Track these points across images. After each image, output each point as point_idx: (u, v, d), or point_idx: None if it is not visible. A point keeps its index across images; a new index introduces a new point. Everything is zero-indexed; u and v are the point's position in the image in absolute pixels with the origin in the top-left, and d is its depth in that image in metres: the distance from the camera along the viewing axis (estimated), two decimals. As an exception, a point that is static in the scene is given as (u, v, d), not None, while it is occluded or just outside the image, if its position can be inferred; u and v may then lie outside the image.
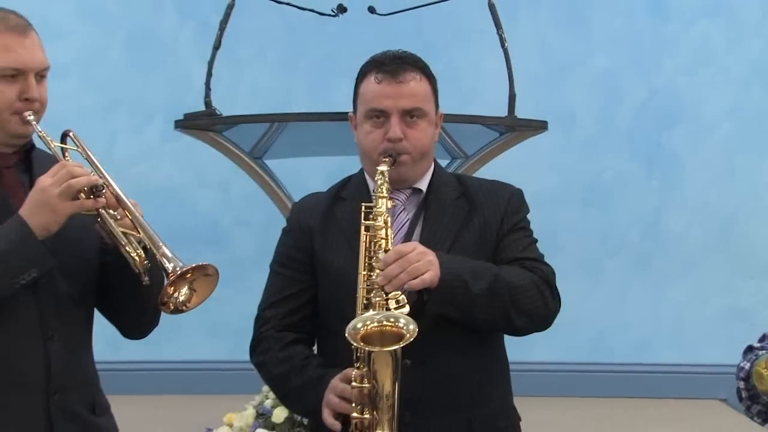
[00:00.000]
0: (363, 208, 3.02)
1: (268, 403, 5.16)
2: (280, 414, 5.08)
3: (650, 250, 7.17)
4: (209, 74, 5.16)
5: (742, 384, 2.77)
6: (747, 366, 2.73)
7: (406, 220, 3.13)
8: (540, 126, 5.32)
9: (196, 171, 6.53)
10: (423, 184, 3.15)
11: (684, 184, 7.23)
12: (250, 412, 5.17)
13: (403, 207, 3.14)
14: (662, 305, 6.95)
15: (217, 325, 5.93)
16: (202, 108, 5.13)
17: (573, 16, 7.18)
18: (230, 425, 5.08)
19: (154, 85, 6.75)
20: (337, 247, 3.10)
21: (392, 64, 3.10)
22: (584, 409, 6.28)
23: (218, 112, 5.12)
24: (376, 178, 2.99)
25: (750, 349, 2.80)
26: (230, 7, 5.25)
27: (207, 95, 5.13)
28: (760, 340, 2.83)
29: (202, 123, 5.16)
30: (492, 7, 5.18)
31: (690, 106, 7.24)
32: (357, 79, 3.16)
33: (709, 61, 7.23)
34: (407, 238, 3.07)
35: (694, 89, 7.22)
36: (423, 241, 3.01)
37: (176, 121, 5.19)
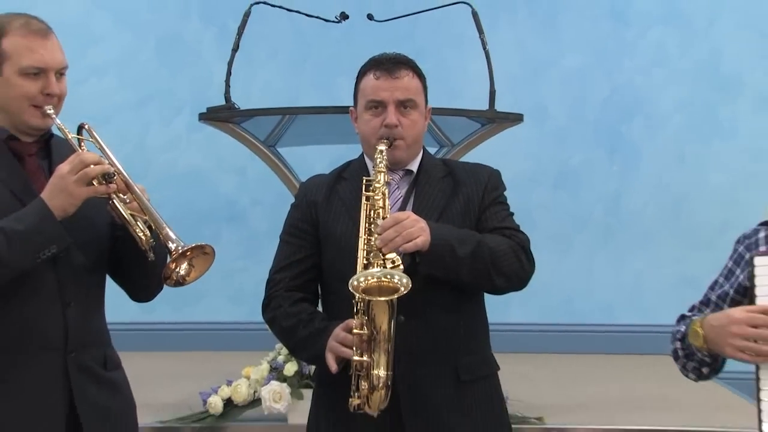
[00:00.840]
0: (364, 181, 3.10)
1: (280, 358, 5.16)
2: (290, 368, 5.09)
3: (612, 225, 7.19)
4: (228, 73, 5.18)
5: (678, 344, 2.81)
6: (683, 329, 2.77)
7: (399, 196, 3.18)
8: (516, 118, 5.34)
9: (217, 157, 6.53)
10: (414, 166, 3.21)
11: (641, 169, 7.26)
12: (264, 367, 5.16)
13: (397, 185, 3.20)
14: (623, 273, 6.96)
15: (236, 292, 5.92)
16: (223, 102, 5.16)
17: (546, 23, 7.18)
18: (247, 377, 5.08)
19: (180, 83, 6.75)
20: (339, 218, 3.14)
21: (389, 63, 3.19)
22: (554, 363, 6.29)
23: (236, 106, 5.16)
24: (375, 156, 3.07)
25: (683, 317, 2.85)
26: (247, 15, 5.27)
27: (226, 91, 5.16)
28: (690, 310, 2.87)
29: (222, 115, 5.18)
30: (475, 15, 5.23)
31: (646, 101, 7.25)
32: (357, 76, 3.27)
33: (663, 62, 7.23)
34: (401, 211, 3.11)
35: (650, 86, 7.24)
36: (415, 213, 3.05)
37: (200, 114, 5.23)
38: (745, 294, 2.70)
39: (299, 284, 3.20)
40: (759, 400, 2.60)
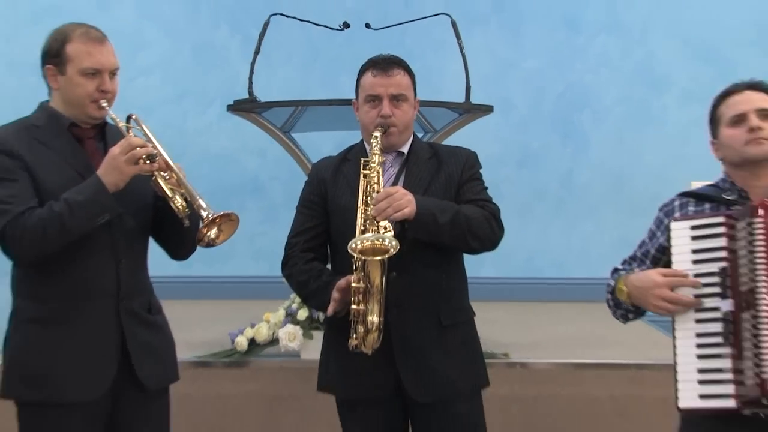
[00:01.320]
0: (362, 161, 3.13)
1: (294, 306, 5.18)
2: (302, 314, 5.12)
3: (565, 197, 7.20)
4: (251, 72, 5.19)
5: (609, 296, 2.82)
6: (612, 283, 2.80)
7: (392, 174, 3.19)
8: (487, 109, 5.37)
9: (242, 141, 6.52)
10: (405, 149, 3.22)
11: (588, 151, 7.26)
12: (281, 312, 5.18)
13: (390, 165, 3.21)
14: (573, 236, 6.98)
15: (257, 251, 5.91)
16: (246, 96, 5.15)
17: (511, 32, 7.19)
18: (267, 321, 5.09)
19: (211, 80, 6.74)
20: (343, 192, 3.16)
21: (384, 63, 3.22)
22: (518, 310, 6.32)
23: (257, 99, 5.16)
24: (371, 141, 3.07)
25: (615, 270, 2.87)
26: (266, 24, 5.28)
27: (249, 87, 5.17)
28: (622, 264, 2.91)
29: (246, 107, 5.20)
30: (454, 25, 5.24)
31: (593, 96, 7.26)
32: (358, 74, 3.28)
33: (607, 63, 7.22)
34: (393, 186, 3.08)
35: (596, 84, 7.24)
36: (404, 188, 3.07)
37: (228, 106, 5.26)
38: (664, 252, 2.75)
39: (311, 246, 3.23)
40: (674, 338, 2.65)
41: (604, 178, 7.11)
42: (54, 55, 2.91)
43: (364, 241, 2.88)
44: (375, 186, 3.02)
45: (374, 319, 2.95)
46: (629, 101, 7.21)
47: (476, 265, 3.27)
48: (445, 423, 3.17)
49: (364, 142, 3.26)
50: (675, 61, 7.08)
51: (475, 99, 5.29)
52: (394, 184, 3.13)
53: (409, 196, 2.95)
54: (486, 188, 3.25)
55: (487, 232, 3.10)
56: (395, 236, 2.91)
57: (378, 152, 3.08)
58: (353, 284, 2.93)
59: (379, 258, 2.89)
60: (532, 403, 4.89)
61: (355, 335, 2.98)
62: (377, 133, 3.09)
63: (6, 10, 6.69)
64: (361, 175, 3.08)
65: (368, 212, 2.97)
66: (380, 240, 2.87)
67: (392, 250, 2.85)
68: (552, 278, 6.95)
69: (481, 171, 3.28)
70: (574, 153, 7.23)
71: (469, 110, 5.28)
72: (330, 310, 3.01)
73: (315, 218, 3.24)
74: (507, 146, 6.95)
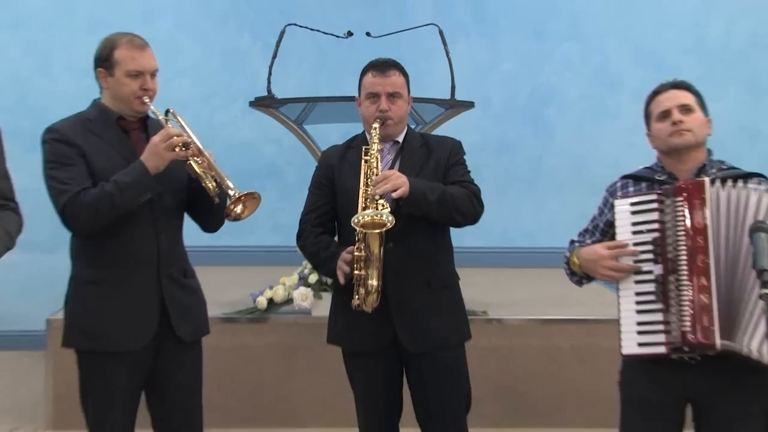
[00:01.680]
0: (363, 149, 3.14)
1: (306, 271, 5.21)
2: (313, 278, 5.15)
3: (535, 180, 7.20)
4: (269, 73, 5.23)
5: (565, 266, 2.87)
6: (567, 254, 2.86)
7: (389, 160, 3.19)
8: (469, 105, 5.38)
9: (262, 132, 6.51)
10: (400, 138, 3.22)
11: (554, 141, 7.23)
12: (295, 277, 5.20)
13: (387, 152, 3.21)
14: (542, 212, 7.00)
15: (276, 225, 5.92)
16: (266, 94, 5.16)
17: (489, 40, 7.15)
18: (283, 284, 5.11)
19: (236, 81, 6.73)
20: (348, 176, 3.16)
21: (382, 65, 3.20)
22: (495, 274, 6.33)
23: (275, 96, 5.17)
24: (371, 132, 3.08)
25: (572, 242, 2.91)
26: (282, 33, 5.31)
27: (268, 86, 5.22)
28: (578, 235, 2.94)
29: (265, 103, 5.22)
30: (441, 34, 5.28)
31: (558, 94, 7.23)
32: (360, 75, 3.27)
33: (569, 67, 7.18)
34: (389, 169, 3.09)
35: (561, 84, 7.20)
36: (399, 171, 3.10)
37: (250, 102, 5.30)
38: (611, 226, 2.77)
39: (321, 222, 3.24)
40: (618, 297, 2.70)
41: (567, 163, 7.09)
42: (104, 60, 2.94)
43: (365, 217, 2.90)
44: (374, 170, 3.03)
45: (374, 282, 2.97)
46: (588, 99, 7.18)
47: (460, 237, 3.29)
48: (434, 370, 3.19)
49: (366, 133, 3.26)
50: (626, 65, 7.06)
51: (459, 96, 5.33)
52: (391, 168, 3.13)
53: (404, 178, 2.96)
54: (469, 171, 3.26)
55: (469, 208, 3.11)
56: (391, 212, 2.93)
57: (377, 141, 3.09)
58: (356, 253, 2.96)
59: (377, 231, 2.91)
60: (506, 353, 4.94)
61: (357, 296, 3.01)
62: (376, 125, 3.10)
63: (66, 23, 6.69)
64: (363, 161, 3.09)
65: (368, 192, 2.99)
66: (378, 215, 2.89)
67: (389, 224, 2.88)
68: (524, 247, 6.94)
69: (464, 157, 3.28)
70: (542, 142, 7.20)
71: (454, 106, 5.30)
72: (340, 276, 3.04)
73: (324, 198, 3.25)
74: (486, 136, 6.91)
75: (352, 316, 3.10)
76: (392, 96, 3.15)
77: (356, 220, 2.92)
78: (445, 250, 3.28)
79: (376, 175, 3.01)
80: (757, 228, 2.37)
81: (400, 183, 2.94)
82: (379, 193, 2.94)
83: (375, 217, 2.91)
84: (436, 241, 3.21)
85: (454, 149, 3.26)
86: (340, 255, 3.05)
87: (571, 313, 5.04)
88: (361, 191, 3.04)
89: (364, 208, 2.97)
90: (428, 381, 3.21)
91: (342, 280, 3.04)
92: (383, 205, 2.94)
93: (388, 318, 3.10)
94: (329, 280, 4.84)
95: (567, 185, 6.93)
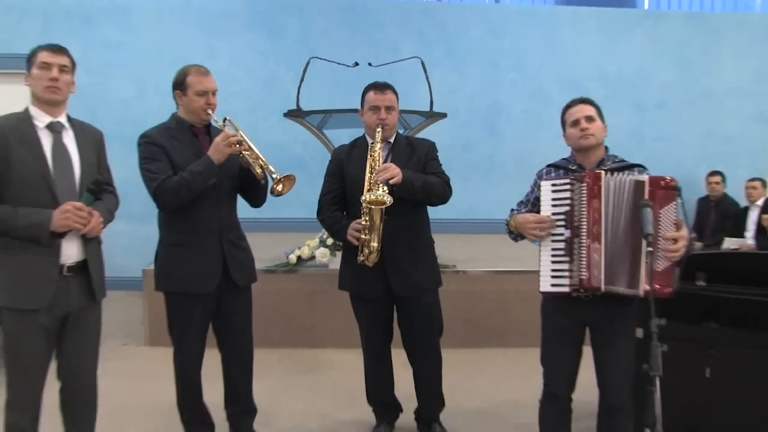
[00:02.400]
0: (369, 146, 3.15)
1: (324, 236, 5.23)
2: (329, 241, 5.18)
3: (491, 169, 7.19)
4: (298, 93, 5.28)
5: (506, 227, 2.87)
6: (507, 218, 2.86)
7: (383, 156, 3.16)
8: (443, 115, 5.41)
9: (293, 135, 6.50)
10: (391, 140, 3.20)
11: (505, 141, 7.20)
12: (316, 240, 5.24)
13: (383, 150, 3.19)
14: (496, 194, 6.97)
15: (303, 203, 5.90)
16: (295, 108, 5.15)
17: (458, 69, 7.12)
18: (308, 245, 5.13)
19: (274, 99, 6.69)
20: (353, 168, 3.15)
21: (381, 86, 3.19)
22: (462, 238, 6.31)
23: (302, 109, 5.16)
24: (375, 135, 3.08)
25: (512, 210, 2.90)
26: (307, 64, 5.36)
27: (297, 102, 5.21)
28: (517, 205, 2.93)
29: (295, 114, 5.25)
30: (423, 64, 5.31)
31: (507, 107, 7.20)
32: (363, 93, 3.25)
33: (516, 88, 7.19)
34: (384, 163, 3.08)
35: (510, 100, 7.18)
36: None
37: (284, 114, 5.28)
38: (538, 200, 2.78)
39: (334, 201, 3.24)
40: (539, 251, 2.73)
41: (513, 158, 7.08)
42: (180, 84, 2.97)
43: (371, 196, 2.94)
44: (377, 162, 3.06)
45: (375, 244, 3.03)
46: (528, 112, 7.16)
47: (436, 211, 3.30)
48: (416, 308, 3.25)
49: (366, 136, 3.26)
50: (554, 89, 7.03)
51: (435, 109, 5.37)
52: (385, 162, 3.13)
53: (399, 169, 2.99)
54: (441, 165, 3.27)
55: (442, 193, 3.15)
56: (388, 194, 2.97)
57: (379, 141, 3.11)
58: (363, 223, 3.01)
59: (379, 207, 2.95)
60: (469, 295, 4.99)
61: (362, 255, 3.06)
62: (379, 129, 3.11)
63: (155, 60, 6.75)
64: (369, 155, 3.11)
65: (372, 178, 3.00)
66: (381, 196, 2.93)
67: (388, 202, 2.92)
68: (482, 219, 6.93)
69: (437, 154, 3.29)
70: (495, 143, 7.18)
71: (432, 116, 5.32)
72: (352, 241, 3.08)
73: (336, 183, 3.25)
74: (455, 138, 6.90)
75: (357, 270, 3.15)
76: (388, 108, 3.16)
77: (365, 198, 2.96)
78: (424, 222, 3.29)
79: (378, 165, 3.04)
80: (643, 204, 2.47)
81: (396, 172, 2.97)
82: (380, 179, 2.96)
83: (378, 197, 2.94)
84: (418, 216, 3.23)
85: (430, 148, 3.28)
86: (350, 225, 3.09)
87: (516, 266, 5.07)
88: (366, 178, 3.06)
89: (369, 191, 2.98)
90: (413, 316, 3.27)
91: (355, 243, 3.08)
92: (383, 189, 2.96)
93: (383, 272, 3.14)
94: (341, 243, 4.90)
95: (513, 174, 6.90)
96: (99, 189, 2.61)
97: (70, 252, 2.56)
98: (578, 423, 3.13)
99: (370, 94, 3.19)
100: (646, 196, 2.51)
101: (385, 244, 3.08)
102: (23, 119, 2.51)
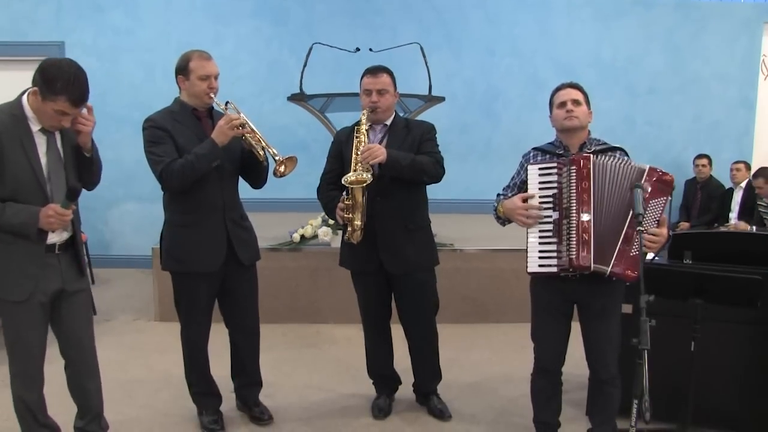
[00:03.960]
0: (354, 129, 3.14)
1: (326, 216, 5.15)
2: (331, 220, 5.08)
3: (487, 152, 7.13)
4: (301, 77, 5.21)
5: (494, 213, 2.82)
6: (495, 204, 2.82)
7: (380, 137, 3.15)
8: (441, 99, 5.38)
9: (296, 118, 6.42)
10: (388, 122, 3.16)
11: (501, 124, 7.13)
12: (319, 220, 5.27)
13: (380, 131, 3.16)
14: (492, 175, 6.79)
15: (305, 184, 5.88)
16: (299, 91, 5.11)
17: (456, 54, 7.04)
18: (311, 225, 5.14)
19: (278, 83, 6.60)
20: (349, 150, 3.09)
21: (374, 70, 3.17)
22: (463, 218, 6.26)
23: (305, 93, 5.11)
24: (362, 117, 3.06)
25: (498, 195, 2.87)
26: (310, 50, 5.30)
27: (300, 86, 5.17)
28: (503, 189, 2.90)
29: (298, 97, 5.20)
30: (422, 49, 5.23)
31: (504, 92, 7.13)
32: (360, 77, 3.22)
33: (512, 74, 7.12)
34: (379, 144, 3.07)
35: (506, 85, 7.10)
36: (386, 146, 3.05)
37: (287, 97, 5.23)
38: (525, 183, 2.76)
39: (332, 181, 3.20)
40: (527, 234, 2.72)
41: (509, 141, 7.00)
42: (182, 69, 2.93)
43: (350, 177, 2.95)
44: (362, 143, 3.03)
45: (358, 223, 3.03)
46: (524, 97, 7.09)
47: (434, 192, 3.29)
48: (410, 285, 3.23)
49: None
50: (549, 74, 6.94)
51: (434, 93, 5.32)
52: (380, 143, 3.11)
53: (383, 149, 2.96)
54: (437, 145, 3.21)
55: (432, 172, 3.09)
56: (375, 175, 2.98)
57: (364, 123, 3.08)
58: (345, 202, 3.02)
59: (358, 186, 2.96)
60: (465, 272, 4.98)
61: (346, 232, 3.09)
62: (364, 112, 3.09)
63: (163, 46, 6.68)
64: (354, 137, 3.09)
65: (357, 159, 2.99)
66: (360, 175, 2.94)
67: (368, 180, 2.93)
68: (479, 199, 6.79)
69: (435, 135, 3.24)
70: (491, 126, 7.12)
71: (431, 100, 5.26)
72: (340, 222, 3.10)
73: (335, 164, 3.23)
74: (453, 121, 6.83)
75: (356, 249, 3.14)
76: (380, 92, 3.11)
77: (345, 179, 2.97)
78: (418, 202, 3.25)
79: (363, 146, 3.02)
80: (635, 186, 2.47)
81: (379, 153, 2.95)
82: (363, 160, 2.96)
83: (358, 176, 2.95)
84: (411, 196, 3.18)
85: (426, 130, 3.23)
86: (338, 204, 3.09)
87: (510, 245, 5.03)
88: (353, 158, 3.04)
89: (354, 171, 2.99)
90: (407, 294, 3.26)
91: (340, 222, 3.09)
92: (367, 169, 2.96)
93: (376, 251, 3.13)
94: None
95: (509, 156, 6.59)
96: (75, 197, 2.47)
97: (59, 232, 2.52)
98: (568, 395, 3.16)
99: (365, 78, 3.16)
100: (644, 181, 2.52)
101: (377, 223, 3.07)
102: (18, 118, 2.39)
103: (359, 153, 3.00)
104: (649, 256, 3.12)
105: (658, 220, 2.53)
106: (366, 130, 3.09)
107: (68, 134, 2.53)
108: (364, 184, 2.95)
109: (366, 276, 3.25)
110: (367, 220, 3.06)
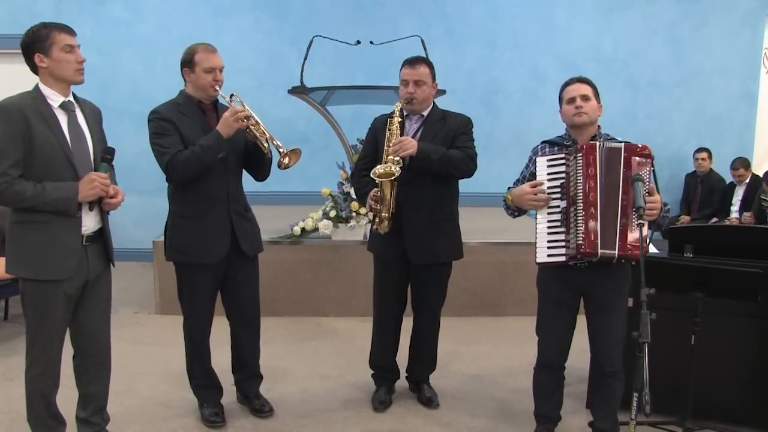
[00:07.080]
0: (387, 120, 3.15)
1: (327, 209, 5.11)
2: (332, 213, 5.12)
3: (489, 144, 7.04)
4: (302, 70, 5.14)
5: (504, 204, 2.85)
6: (505, 195, 2.84)
7: (416, 128, 3.16)
8: (441, 92, 5.29)
9: (297, 111, 6.38)
10: (425, 113, 3.19)
11: (501, 117, 7.14)
12: (319, 213, 5.22)
13: (415, 122, 3.17)
14: (493, 167, 6.84)
15: (307, 177, 5.88)
16: (299, 84, 5.07)
17: (456, 48, 7.03)
18: (312, 218, 5.12)
19: (279, 76, 6.53)
20: (383, 137, 3.12)
21: (413, 61, 3.18)
22: (464, 211, 6.21)
23: (306, 86, 5.06)
24: (394, 108, 3.05)
25: (509, 188, 2.87)
26: (311, 43, 5.20)
27: (301, 79, 5.10)
28: (513, 183, 2.90)
29: (299, 90, 5.12)
30: (423, 42, 5.12)
31: (504, 85, 7.13)
32: (400, 68, 3.19)
33: (513, 66, 7.12)
34: (414, 136, 3.13)
35: (506, 78, 7.09)
36: (420, 138, 3.07)
37: (288, 90, 5.17)
38: (534, 175, 2.78)
39: (366, 167, 3.20)
40: (536, 222, 2.74)
41: (509, 135, 7.03)
42: (188, 62, 2.94)
43: (380, 169, 2.99)
44: (395, 135, 3.06)
45: (385, 214, 3.08)
46: (525, 90, 7.10)
47: (465, 184, 3.29)
48: (429, 278, 3.28)
49: (403, 109, 3.23)
50: (550, 67, 6.98)
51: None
52: (414, 136, 3.14)
53: (414, 142, 3.00)
54: (472, 140, 3.22)
55: (463, 167, 3.11)
56: (405, 167, 3.02)
57: (397, 115, 3.11)
58: (374, 194, 3.08)
59: (387, 179, 3.00)
60: (468, 265, 4.88)
61: (374, 222, 3.15)
62: (397, 104, 3.12)
63: (164, 39, 6.69)
64: (387, 129, 3.12)
65: (389, 151, 3.02)
66: (389, 168, 2.97)
67: (396, 173, 2.96)
68: (480, 192, 6.64)
69: (472, 129, 3.25)
70: (492, 120, 7.12)
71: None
72: (369, 204, 3.14)
73: (369, 150, 3.28)
74: (453, 116, 6.86)
75: (382, 237, 3.19)
76: (417, 83, 3.11)
77: (375, 172, 3.01)
78: (447, 195, 3.26)
79: (395, 139, 3.06)
80: (635, 179, 2.50)
81: (410, 146, 2.99)
82: (392, 152, 3.00)
83: (386, 169, 2.99)
84: (439, 188, 3.18)
85: (463, 123, 3.23)
86: (369, 194, 3.13)
87: (512, 238, 5.09)
88: (385, 149, 3.08)
89: (385, 163, 3.03)
90: (425, 284, 3.31)
91: (369, 211, 3.16)
92: (396, 162, 3.00)
93: (401, 239, 3.17)
94: (345, 215, 4.88)
95: (509, 150, 6.86)
96: (112, 157, 2.61)
97: (88, 223, 2.58)
98: (570, 388, 3.17)
99: (403, 69, 3.16)
100: (622, 162, 2.57)
101: (404, 212, 3.12)
102: (37, 98, 2.48)
103: (390, 145, 3.03)
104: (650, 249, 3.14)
105: (648, 191, 2.55)
106: (401, 120, 3.12)
107: (91, 109, 2.66)
108: (392, 177, 2.99)
109: (388, 263, 3.29)
110: (394, 210, 3.11)
